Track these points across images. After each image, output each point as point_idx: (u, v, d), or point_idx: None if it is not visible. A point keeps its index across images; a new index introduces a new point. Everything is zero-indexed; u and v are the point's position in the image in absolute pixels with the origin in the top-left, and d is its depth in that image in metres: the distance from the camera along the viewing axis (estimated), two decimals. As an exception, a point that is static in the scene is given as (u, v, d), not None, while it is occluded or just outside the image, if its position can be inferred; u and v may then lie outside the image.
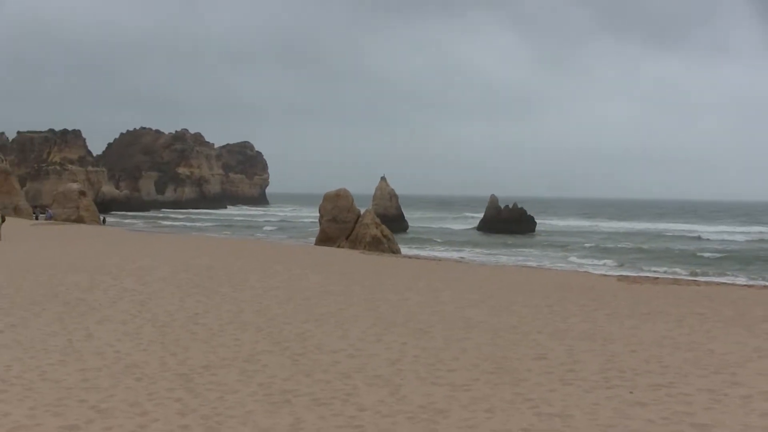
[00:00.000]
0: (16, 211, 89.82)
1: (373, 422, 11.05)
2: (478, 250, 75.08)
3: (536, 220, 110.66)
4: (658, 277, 38.49)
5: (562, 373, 14.10)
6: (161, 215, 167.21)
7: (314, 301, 23.04)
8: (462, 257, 59.59)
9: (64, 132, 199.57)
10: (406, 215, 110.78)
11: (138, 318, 19.42)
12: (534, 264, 54.62)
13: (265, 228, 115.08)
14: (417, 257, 46.69)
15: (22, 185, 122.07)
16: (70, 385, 12.95)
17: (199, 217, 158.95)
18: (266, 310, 20.95)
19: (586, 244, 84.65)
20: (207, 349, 15.95)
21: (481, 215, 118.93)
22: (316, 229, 69.23)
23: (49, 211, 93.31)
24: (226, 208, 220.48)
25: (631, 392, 12.70)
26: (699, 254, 72.42)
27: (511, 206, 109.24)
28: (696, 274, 50.56)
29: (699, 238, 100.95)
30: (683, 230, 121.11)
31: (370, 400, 12.14)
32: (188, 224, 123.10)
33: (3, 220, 53.18)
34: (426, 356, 15.52)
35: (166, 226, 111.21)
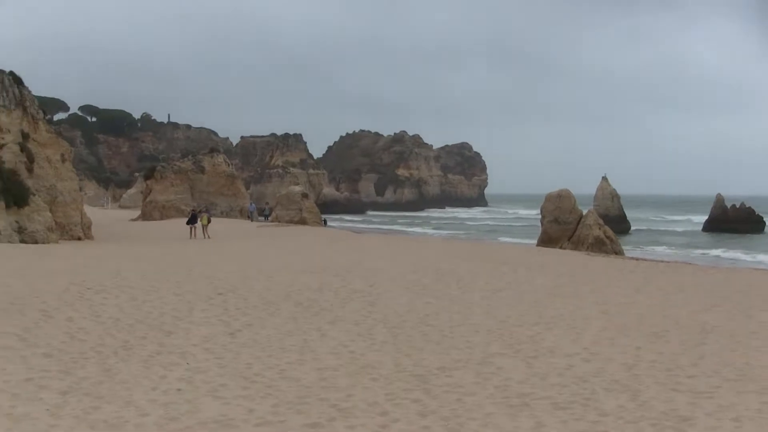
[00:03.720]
0: (242, 213, 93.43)
1: (616, 427, 10.84)
2: (706, 251, 72.99)
3: (766, 221, 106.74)
4: None
5: (813, 383, 13.42)
6: (380, 216, 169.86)
7: (543, 303, 22.75)
8: (691, 259, 57.85)
9: (286, 136, 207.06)
10: (627, 215, 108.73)
11: (369, 319, 19.66)
12: (767, 266, 52.37)
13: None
14: (643, 259, 45.52)
15: (246, 188, 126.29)
16: (309, 383, 13.28)
17: (408, 218, 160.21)
18: (496, 312, 20.84)
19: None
20: (440, 350, 16.04)
21: (703, 215, 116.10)
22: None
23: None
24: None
25: None
26: None
27: (738, 205, 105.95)
28: None
29: None
30: None
31: (610, 405, 11.90)
32: (401, 227, 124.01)
33: (209, 221, 56.23)
34: (663, 361, 15.10)
35: (386, 229, 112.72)
